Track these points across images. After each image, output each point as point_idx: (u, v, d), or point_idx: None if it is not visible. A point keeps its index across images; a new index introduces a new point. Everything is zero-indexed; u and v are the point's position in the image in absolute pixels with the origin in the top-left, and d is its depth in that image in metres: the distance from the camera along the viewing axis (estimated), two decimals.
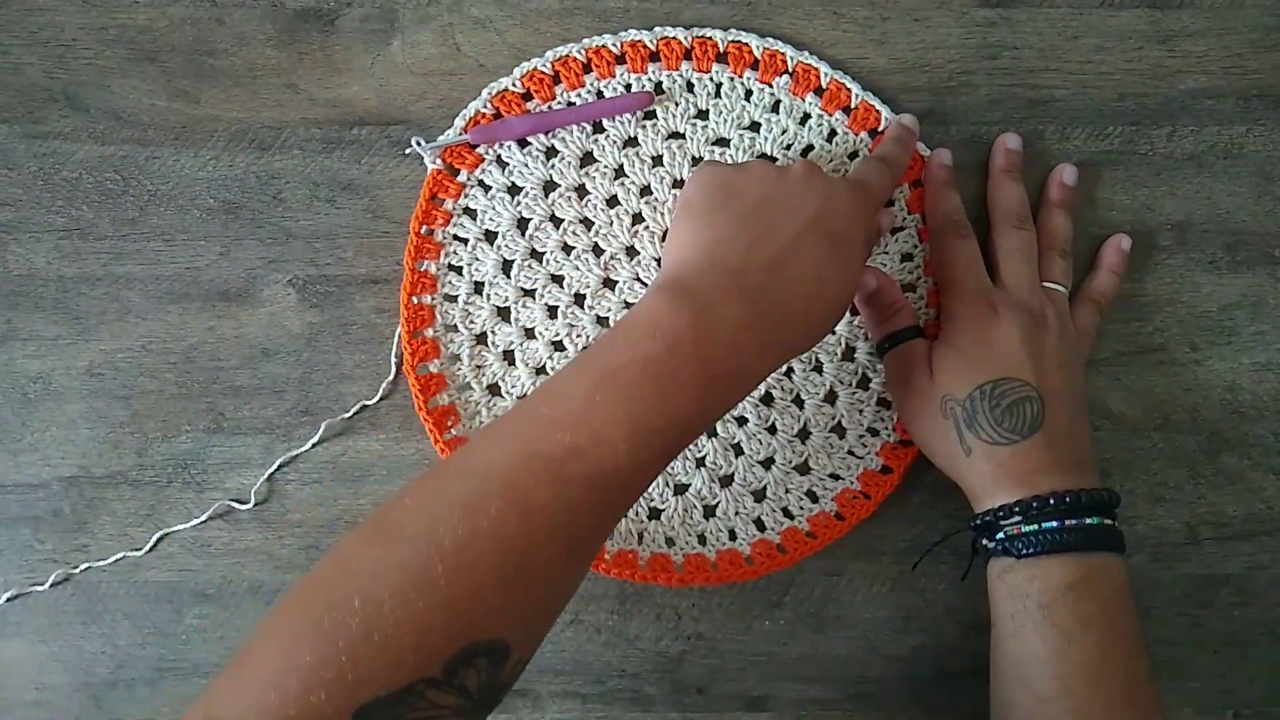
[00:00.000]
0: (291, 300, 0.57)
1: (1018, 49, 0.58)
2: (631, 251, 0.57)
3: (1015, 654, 0.48)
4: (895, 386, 0.55)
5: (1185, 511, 0.57)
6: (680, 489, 0.56)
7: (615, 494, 0.41)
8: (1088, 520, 0.48)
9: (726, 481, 0.56)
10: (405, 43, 0.58)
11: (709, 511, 0.56)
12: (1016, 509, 0.49)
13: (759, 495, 0.56)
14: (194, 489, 0.56)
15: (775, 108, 0.57)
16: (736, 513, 0.56)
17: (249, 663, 0.36)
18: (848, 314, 0.57)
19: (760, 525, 0.56)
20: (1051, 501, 0.48)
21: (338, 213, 0.57)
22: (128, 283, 0.57)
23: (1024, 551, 0.48)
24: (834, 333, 0.57)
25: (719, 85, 0.57)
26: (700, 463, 0.56)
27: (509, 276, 0.57)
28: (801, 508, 0.56)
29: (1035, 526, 0.48)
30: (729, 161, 0.56)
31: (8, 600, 0.56)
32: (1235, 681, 0.57)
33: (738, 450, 0.56)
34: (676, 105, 0.57)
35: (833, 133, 0.57)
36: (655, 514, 0.56)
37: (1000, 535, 0.49)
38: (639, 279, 0.57)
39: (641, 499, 0.56)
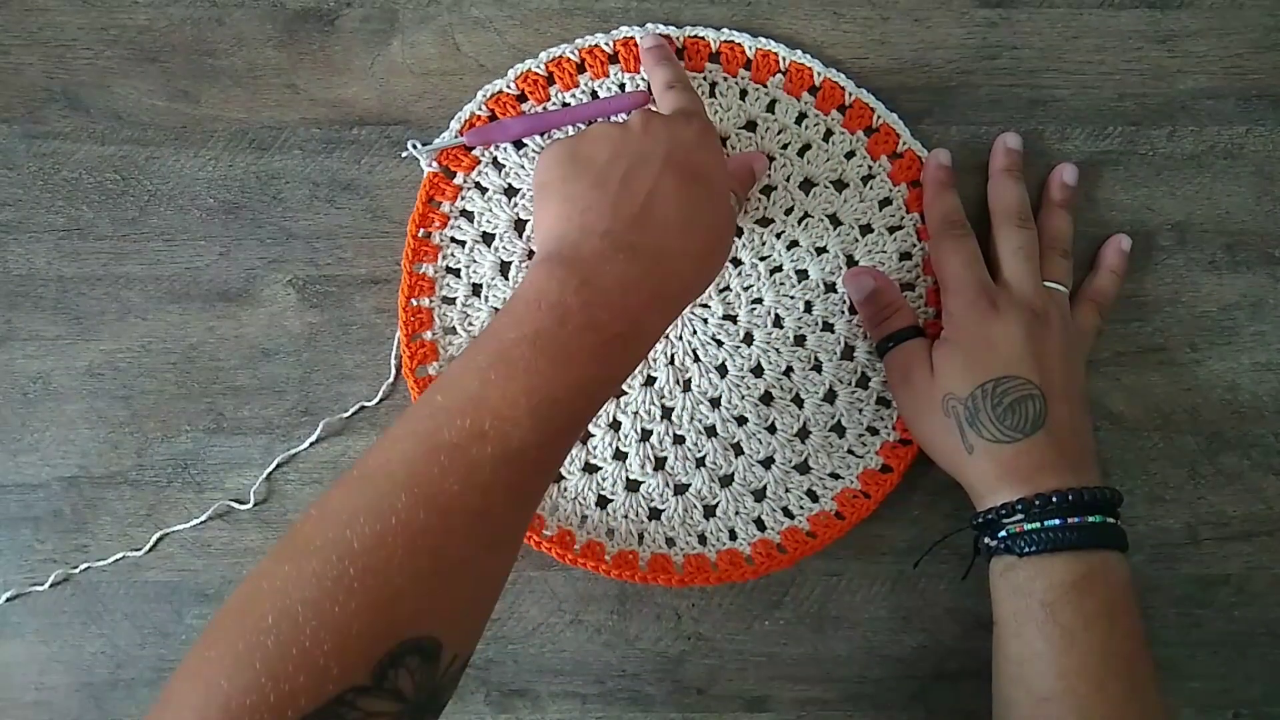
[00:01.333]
0: (291, 300, 0.57)
1: (1018, 49, 0.58)
2: None
3: (1017, 652, 0.48)
4: (896, 386, 0.55)
5: (1185, 512, 0.57)
6: (680, 489, 0.56)
7: (528, 472, 0.40)
8: (1090, 518, 0.48)
9: (726, 481, 0.56)
10: (405, 43, 0.58)
11: (709, 511, 0.56)
12: (1019, 507, 0.49)
13: (759, 495, 0.56)
14: (194, 489, 0.56)
15: (771, 107, 0.57)
16: (737, 512, 0.56)
17: (170, 705, 0.34)
18: (845, 312, 0.57)
19: (760, 525, 0.56)
20: (1054, 499, 0.48)
21: (338, 213, 0.57)
22: (128, 283, 0.57)
23: (1026, 550, 0.48)
24: (831, 331, 0.57)
25: (713, 84, 0.57)
26: (700, 462, 0.56)
27: (507, 278, 0.57)
28: (802, 507, 0.56)
29: (1038, 524, 0.48)
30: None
31: (8, 600, 0.56)
32: (1235, 681, 0.57)
33: (738, 450, 0.56)
34: None
35: (829, 132, 0.57)
36: (655, 514, 0.56)
37: (1002, 533, 0.49)
38: None
39: (642, 499, 0.56)
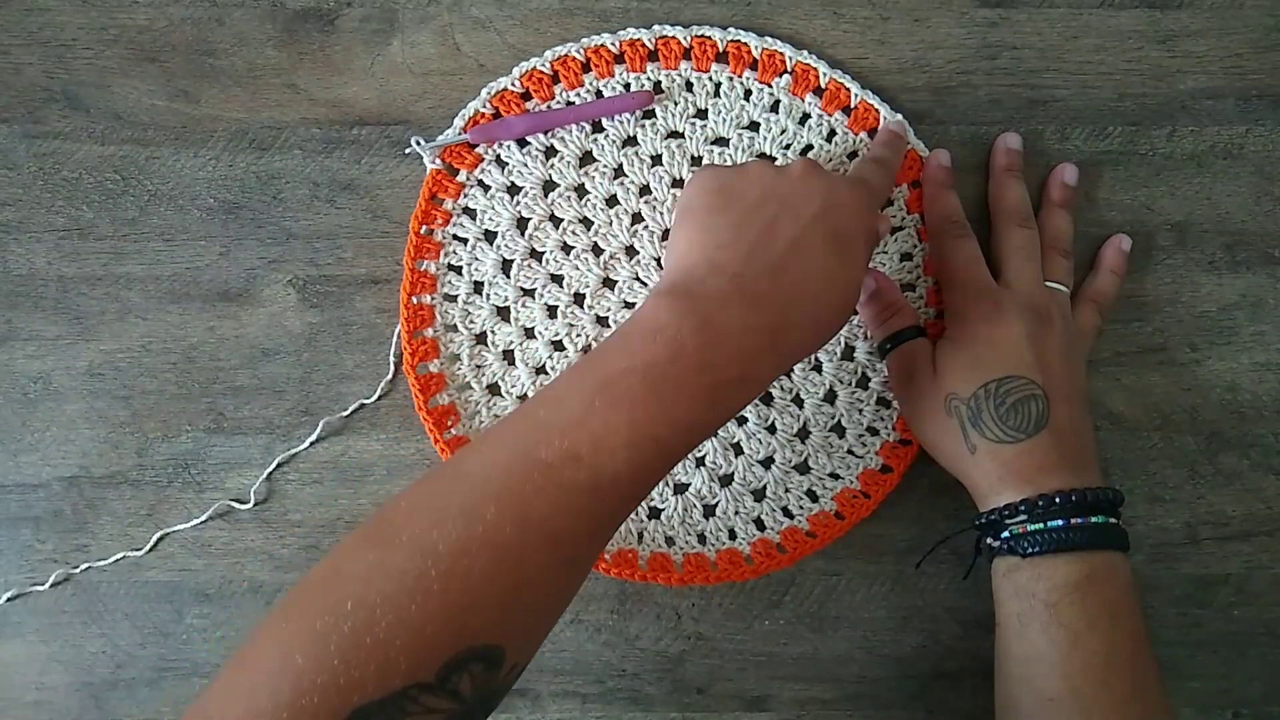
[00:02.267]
0: (291, 300, 0.57)
1: (1018, 49, 0.58)
2: (631, 251, 0.57)
3: (1021, 653, 0.48)
4: (898, 386, 0.55)
5: (1185, 511, 0.57)
6: (680, 488, 0.56)
7: (614, 502, 0.40)
8: (1093, 519, 0.48)
9: (726, 481, 0.56)
10: (405, 43, 0.58)
11: (709, 511, 0.56)
12: (1022, 508, 0.49)
13: (759, 494, 0.56)
14: (194, 489, 0.56)
15: (775, 107, 0.57)
16: (736, 512, 0.56)
17: (245, 665, 0.36)
18: None
19: (760, 524, 0.56)
20: (1057, 500, 0.48)
21: (338, 213, 0.57)
22: (128, 283, 0.57)
23: (1030, 550, 0.48)
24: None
25: (718, 85, 0.57)
26: (700, 462, 0.56)
27: (508, 276, 0.57)
28: (801, 507, 0.56)
29: (1041, 525, 0.48)
30: (728, 164, 0.56)
31: (8, 600, 0.56)
32: (1235, 681, 0.57)
33: (737, 450, 0.57)
34: (675, 105, 0.57)
35: (832, 132, 0.57)
36: (655, 513, 0.56)
37: (1005, 534, 0.49)
38: (638, 278, 0.57)
39: None
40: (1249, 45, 0.58)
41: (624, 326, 0.43)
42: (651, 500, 0.56)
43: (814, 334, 0.46)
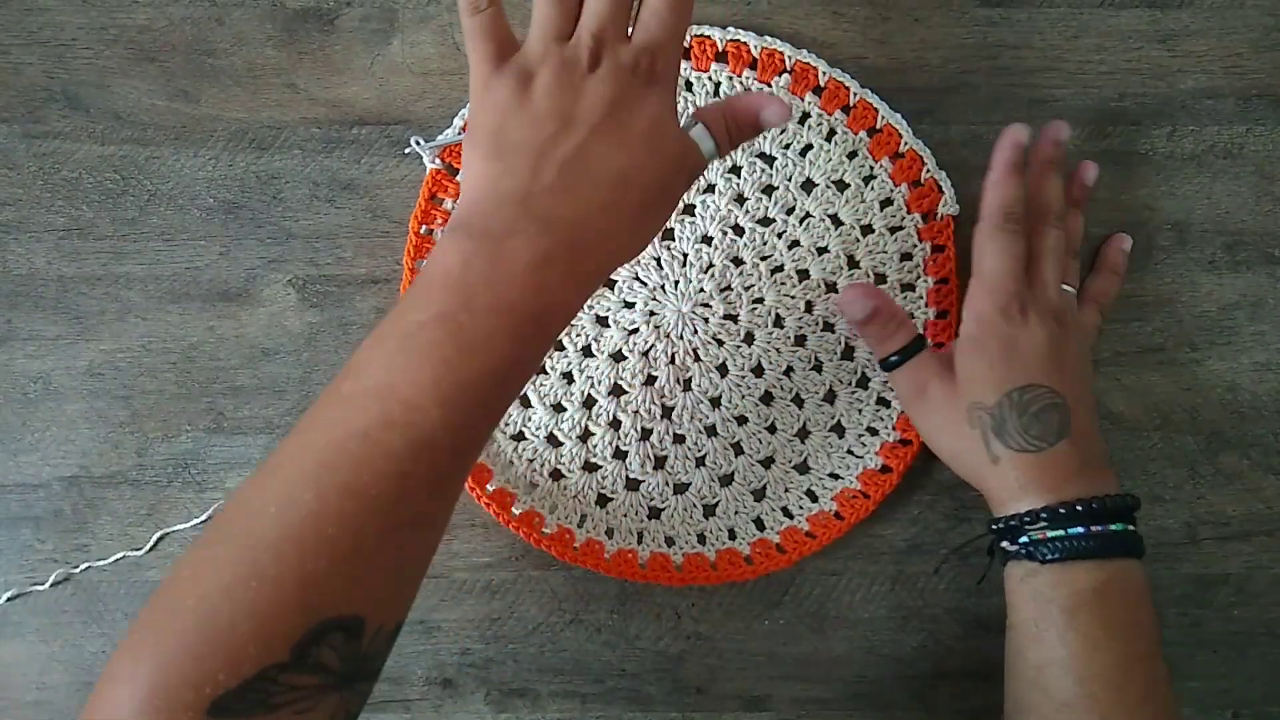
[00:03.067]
0: (291, 300, 0.57)
1: (1018, 49, 0.58)
2: None
3: (1036, 658, 0.48)
4: (910, 401, 0.54)
5: (1185, 511, 0.57)
6: (680, 488, 0.56)
7: (442, 458, 0.39)
8: (1112, 526, 0.48)
9: (726, 481, 0.57)
10: (405, 42, 0.58)
11: (709, 511, 0.56)
12: (1043, 515, 0.48)
13: (759, 494, 0.56)
14: (194, 489, 0.56)
15: None
16: (736, 512, 0.56)
17: (106, 679, 0.36)
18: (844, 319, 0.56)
19: (760, 524, 0.56)
20: (1079, 508, 0.48)
21: (338, 212, 0.57)
22: (128, 283, 0.57)
23: (1049, 557, 0.48)
24: (832, 331, 0.57)
25: (718, 84, 0.57)
26: (700, 462, 0.56)
27: None
28: (801, 507, 0.56)
29: (1061, 532, 0.48)
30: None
31: (8, 600, 0.56)
32: (1234, 681, 0.57)
33: (738, 449, 0.57)
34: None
35: (832, 132, 0.57)
36: (655, 513, 0.56)
37: (1024, 540, 0.49)
38: (637, 277, 0.57)
39: (642, 499, 0.56)
40: (1249, 45, 0.58)
41: (419, 276, 0.41)
42: (652, 500, 0.56)
43: (621, 245, 0.43)
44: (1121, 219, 0.58)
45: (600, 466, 0.56)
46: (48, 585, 0.56)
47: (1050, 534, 0.48)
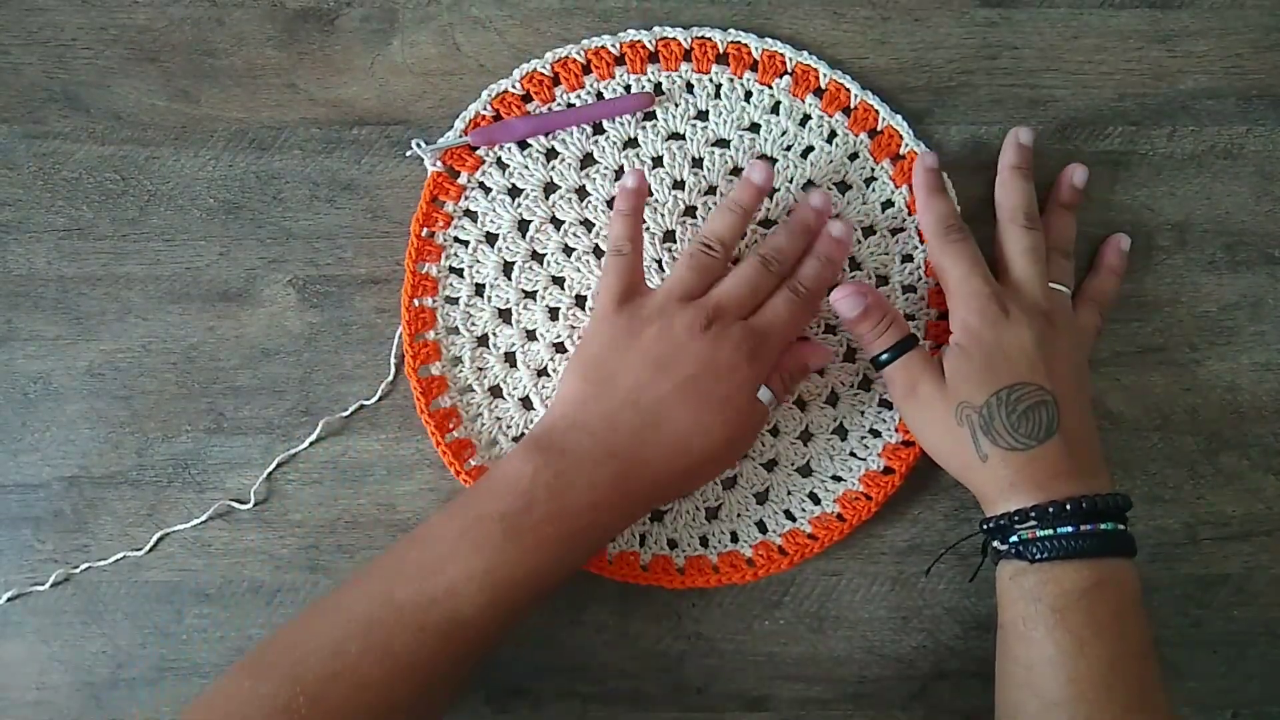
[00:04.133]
0: (291, 300, 0.57)
1: (1018, 49, 0.58)
2: None
3: (1025, 657, 0.48)
4: (901, 399, 0.54)
5: (1184, 511, 0.57)
6: None
7: (472, 642, 0.45)
8: (1102, 526, 0.48)
9: (729, 484, 0.57)
10: (405, 43, 0.58)
11: (711, 513, 0.56)
12: (1032, 514, 0.48)
13: (761, 497, 0.56)
14: (194, 489, 0.56)
15: (775, 109, 0.57)
16: (739, 515, 0.56)
17: None
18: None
19: (762, 527, 0.56)
20: (1068, 507, 0.48)
21: (338, 213, 0.57)
22: (128, 283, 0.57)
23: (1039, 556, 0.48)
24: (834, 333, 0.57)
25: (719, 86, 0.57)
26: None
27: (510, 278, 0.57)
28: (803, 509, 0.56)
29: (1051, 531, 0.48)
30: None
31: (8, 600, 0.56)
32: (1234, 681, 0.57)
33: None
34: (676, 106, 0.57)
35: (832, 134, 0.57)
36: (658, 516, 0.56)
37: (1014, 539, 0.49)
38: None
39: None
40: (1249, 45, 0.58)
41: (493, 470, 0.48)
42: None
43: (671, 486, 0.51)
44: (1121, 219, 0.58)
45: None
46: (47, 585, 0.56)
47: (1039, 533, 0.48)
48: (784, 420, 0.56)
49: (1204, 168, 0.58)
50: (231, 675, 0.43)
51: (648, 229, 0.57)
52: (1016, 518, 0.49)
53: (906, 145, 0.57)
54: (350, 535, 0.56)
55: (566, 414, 0.49)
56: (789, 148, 0.57)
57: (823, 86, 0.57)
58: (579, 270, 0.57)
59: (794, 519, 0.56)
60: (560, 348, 0.57)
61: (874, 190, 0.57)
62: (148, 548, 0.56)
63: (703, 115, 0.57)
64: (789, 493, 0.56)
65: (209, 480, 0.57)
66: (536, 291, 0.57)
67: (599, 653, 0.57)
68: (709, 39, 0.57)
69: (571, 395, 0.50)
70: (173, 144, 0.57)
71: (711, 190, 0.57)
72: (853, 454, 0.57)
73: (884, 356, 0.53)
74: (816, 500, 0.56)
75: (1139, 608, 0.48)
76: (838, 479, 0.57)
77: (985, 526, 0.51)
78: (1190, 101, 0.58)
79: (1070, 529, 0.48)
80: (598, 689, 0.57)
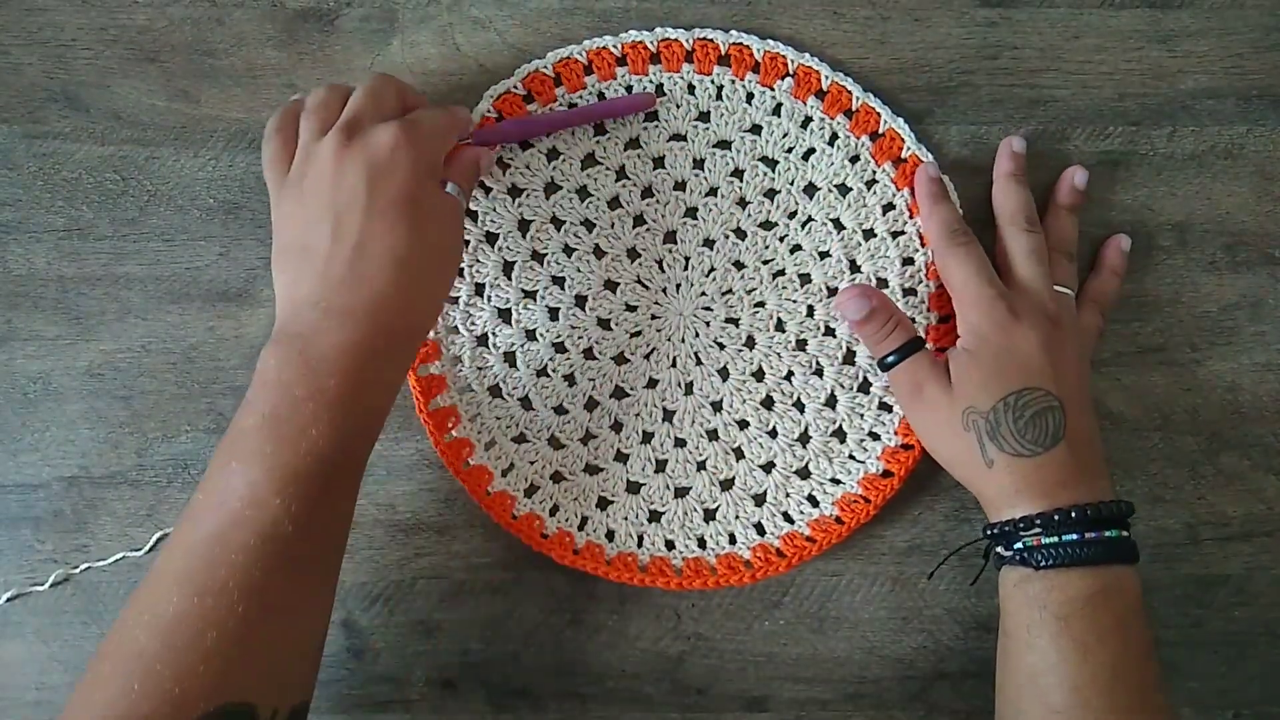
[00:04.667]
0: None
1: (1018, 49, 0.58)
2: (633, 253, 0.57)
3: (1029, 664, 0.48)
4: (906, 401, 0.53)
5: (1185, 512, 0.57)
6: (681, 492, 0.56)
7: (293, 544, 0.43)
8: (1107, 533, 0.48)
9: (727, 485, 0.56)
10: (405, 42, 0.58)
11: (709, 515, 0.56)
12: (1037, 521, 0.48)
13: (759, 499, 0.56)
14: (194, 489, 0.56)
15: (777, 110, 0.57)
16: (737, 516, 0.56)
17: None
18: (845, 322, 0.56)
19: (760, 529, 0.56)
20: (1073, 514, 0.48)
21: None
22: (127, 283, 0.57)
23: (1044, 563, 0.48)
24: (833, 335, 0.57)
25: (720, 88, 0.57)
26: (701, 466, 0.56)
27: (510, 278, 0.57)
28: (802, 512, 0.56)
29: (1055, 539, 0.48)
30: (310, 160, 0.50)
31: (8, 600, 0.56)
32: (1235, 681, 0.57)
33: (739, 454, 0.57)
34: (678, 107, 0.57)
35: (834, 136, 0.57)
36: (655, 516, 0.56)
37: (1019, 545, 0.49)
38: (640, 280, 0.57)
39: (642, 502, 0.56)
40: (1250, 45, 0.58)
41: (252, 384, 0.46)
42: (652, 504, 0.56)
43: (421, 311, 0.49)
44: (1122, 219, 0.58)
45: (602, 469, 0.56)
46: (47, 585, 0.56)
47: (1045, 540, 0.48)
48: (782, 422, 0.56)
49: (1204, 168, 0.58)
50: (87, 670, 0.42)
51: (649, 229, 0.57)
52: (1021, 524, 0.49)
53: (908, 148, 0.57)
54: (350, 535, 0.56)
55: (286, 304, 0.47)
56: (790, 150, 0.57)
57: (824, 89, 0.57)
58: (579, 270, 0.57)
59: (792, 521, 0.56)
60: (560, 347, 0.57)
61: (875, 193, 0.57)
62: (147, 548, 0.56)
63: (704, 116, 0.57)
64: (787, 495, 0.56)
65: None
66: (536, 291, 0.57)
67: (599, 653, 0.57)
68: (711, 40, 0.57)
69: (281, 287, 0.47)
70: (173, 144, 0.57)
71: (713, 191, 0.57)
72: (851, 457, 0.56)
73: (890, 359, 0.53)
74: (815, 503, 0.56)
75: (1141, 613, 0.48)
76: (836, 482, 0.56)
77: (989, 532, 0.51)
78: (1191, 101, 0.58)
79: (1075, 536, 0.48)
80: (598, 689, 0.57)
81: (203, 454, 0.56)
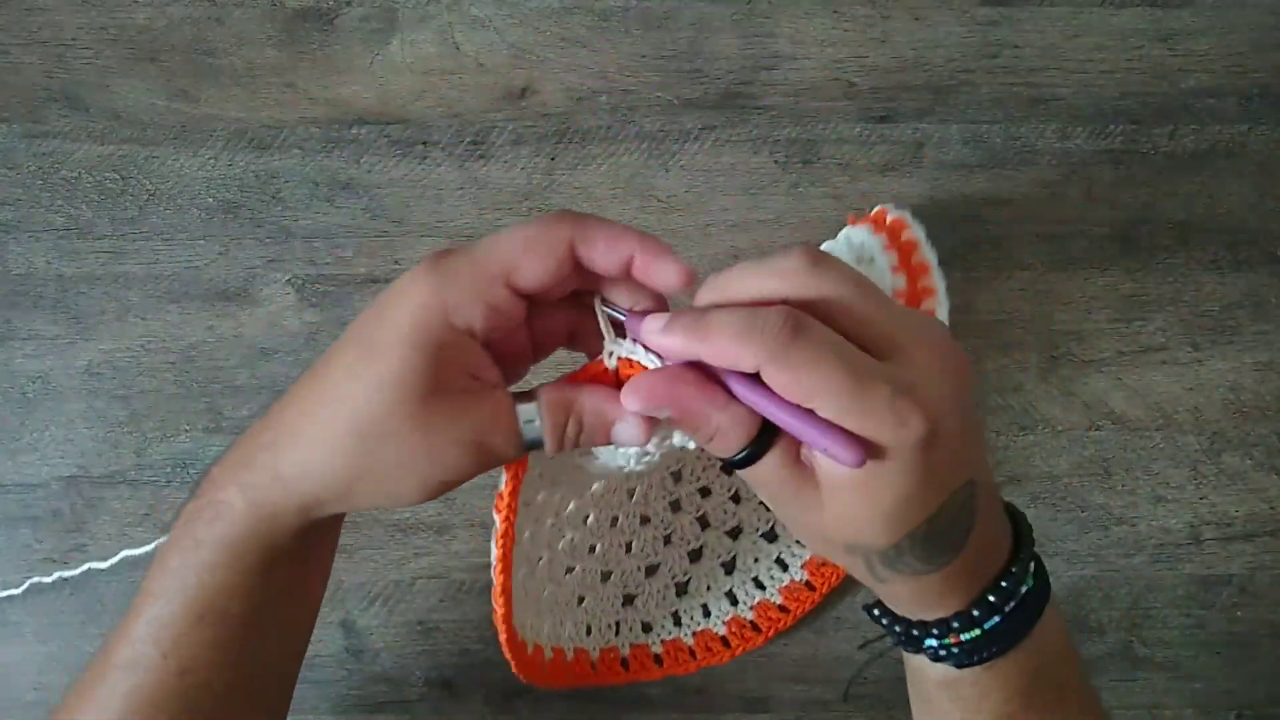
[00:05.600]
0: (290, 299, 0.57)
1: (1019, 48, 0.58)
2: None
3: None
4: (769, 502, 0.39)
5: (1187, 511, 0.57)
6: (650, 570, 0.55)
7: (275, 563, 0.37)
8: (1023, 587, 0.37)
9: (696, 556, 0.55)
10: (405, 42, 0.58)
11: (681, 589, 0.55)
12: (954, 623, 0.37)
13: (729, 567, 0.55)
14: (193, 489, 0.56)
15: None
16: (708, 588, 0.55)
17: None
18: None
19: (732, 598, 0.55)
20: (992, 600, 0.36)
21: (337, 212, 0.57)
22: (127, 282, 0.57)
23: (969, 662, 0.37)
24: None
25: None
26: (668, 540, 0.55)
27: None
28: (772, 578, 0.55)
29: (977, 632, 0.36)
30: None
31: (7, 600, 0.56)
32: (1238, 682, 0.57)
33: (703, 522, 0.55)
34: None
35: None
36: (629, 600, 0.55)
37: (930, 644, 0.38)
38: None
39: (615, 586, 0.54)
40: (1251, 44, 0.58)
41: None
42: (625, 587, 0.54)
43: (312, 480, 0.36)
44: (1123, 218, 0.58)
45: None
46: (47, 585, 0.56)
47: (965, 637, 0.37)
48: (744, 487, 0.54)
49: (1206, 166, 0.58)
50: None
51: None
52: (935, 631, 0.37)
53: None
54: (350, 535, 0.56)
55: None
56: None
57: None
58: None
59: (763, 588, 0.55)
60: None
61: None
62: (147, 548, 0.56)
63: None
64: (756, 560, 0.55)
65: None
66: None
67: None
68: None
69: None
70: (172, 143, 0.57)
71: None
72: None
73: (735, 459, 0.36)
74: (785, 567, 0.55)
75: (1073, 652, 0.40)
76: (802, 545, 0.55)
77: (882, 621, 0.39)
78: (1192, 100, 0.58)
79: (998, 620, 0.36)
80: (597, 689, 0.56)
81: (202, 453, 0.56)
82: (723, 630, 0.55)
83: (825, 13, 0.58)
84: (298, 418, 0.36)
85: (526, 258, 0.34)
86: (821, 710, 0.56)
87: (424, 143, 0.57)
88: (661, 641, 0.55)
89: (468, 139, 0.57)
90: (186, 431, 0.57)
